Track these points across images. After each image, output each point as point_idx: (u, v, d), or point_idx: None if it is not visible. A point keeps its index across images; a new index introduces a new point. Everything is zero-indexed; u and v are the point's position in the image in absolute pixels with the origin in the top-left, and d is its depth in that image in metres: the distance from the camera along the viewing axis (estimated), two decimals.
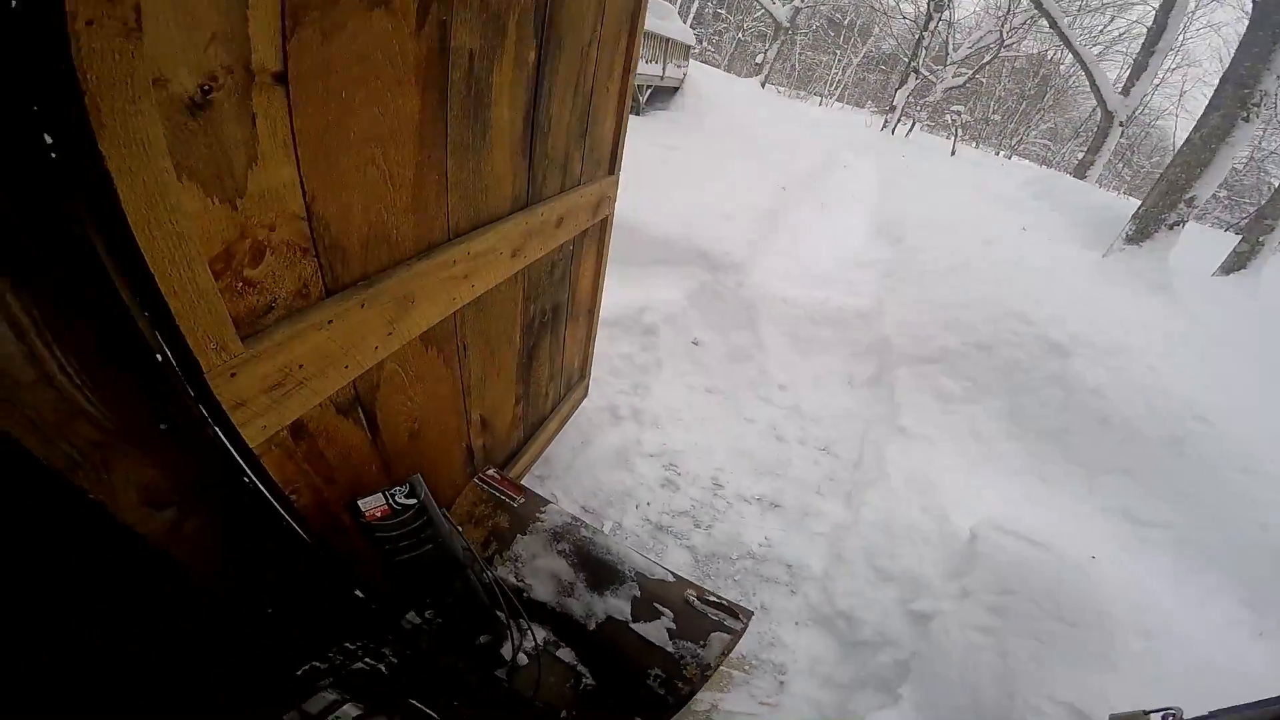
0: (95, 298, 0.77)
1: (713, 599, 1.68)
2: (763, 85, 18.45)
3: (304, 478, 1.21)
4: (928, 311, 4.34)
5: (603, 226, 2.49)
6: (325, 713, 1.12)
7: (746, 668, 2.30)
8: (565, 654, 1.63)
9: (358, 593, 1.43)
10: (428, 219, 1.32)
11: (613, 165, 2.36)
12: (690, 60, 10.33)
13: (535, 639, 1.59)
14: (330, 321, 1.11)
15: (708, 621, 1.63)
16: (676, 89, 9.36)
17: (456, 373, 1.69)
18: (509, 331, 1.95)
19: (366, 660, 1.35)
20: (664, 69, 8.83)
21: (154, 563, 1.03)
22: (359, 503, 1.14)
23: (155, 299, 0.80)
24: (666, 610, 1.62)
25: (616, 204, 2.51)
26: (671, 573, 1.70)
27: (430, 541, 1.21)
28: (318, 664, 1.32)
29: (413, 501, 1.18)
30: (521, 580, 1.62)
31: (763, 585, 2.64)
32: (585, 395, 3.11)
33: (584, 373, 3.00)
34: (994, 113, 30.69)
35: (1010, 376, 3.76)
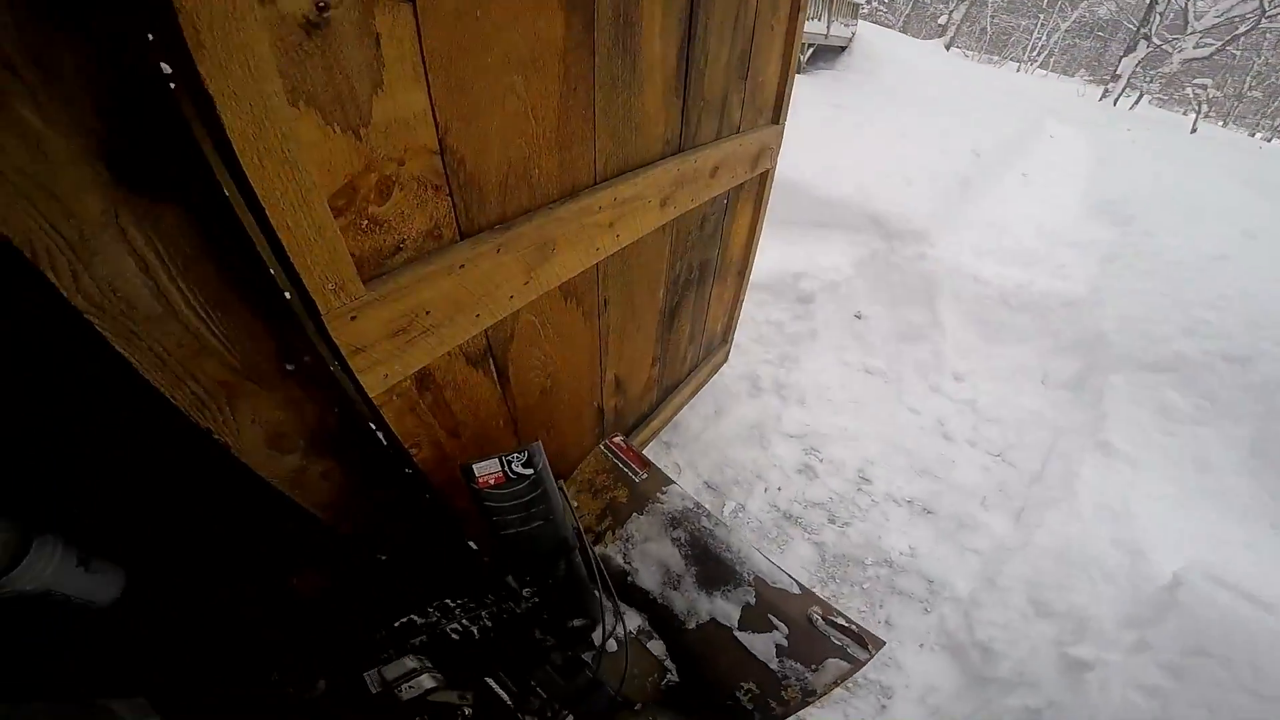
0: (219, 229, 0.74)
1: (841, 621, 1.47)
2: (947, 48, 16.01)
3: (426, 430, 1.18)
4: (1163, 309, 3.53)
5: (762, 181, 2.24)
6: (402, 679, 1.11)
7: (850, 685, 2.07)
8: (655, 646, 1.52)
9: (471, 544, 1.42)
10: (572, 159, 1.20)
11: (777, 114, 2.08)
12: (859, 20, 9.26)
13: (628, 627, 1.51)
14: (462, 266, 1.03)
15: (828, 645, 1.43)
16: (843, 48, 8.47)
17: (595, 328, 1.60)
18: (653, 287, 1.81)
19: (463, 622, 1.34)
20: (828, 26, 7.99)
21: (276, 505, 1.05)
22: (473, 466, 1.08)
23: (272, 233, 0.75)
24: (781, 624, 1.44)
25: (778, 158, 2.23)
26: (798, 583, 1.51)
27: (540, 518, 1.13)
28: (415, 618, 1.33)
29: (529, 472, 1.11)
30: (628, 563, 1.52)
31: (893, 598, 2.36)
32: (725, 361, 2.93)
33: (726, 337, 2.81)
34: (1251, 89, 24.49)
35: (1269, 398, 2.98)
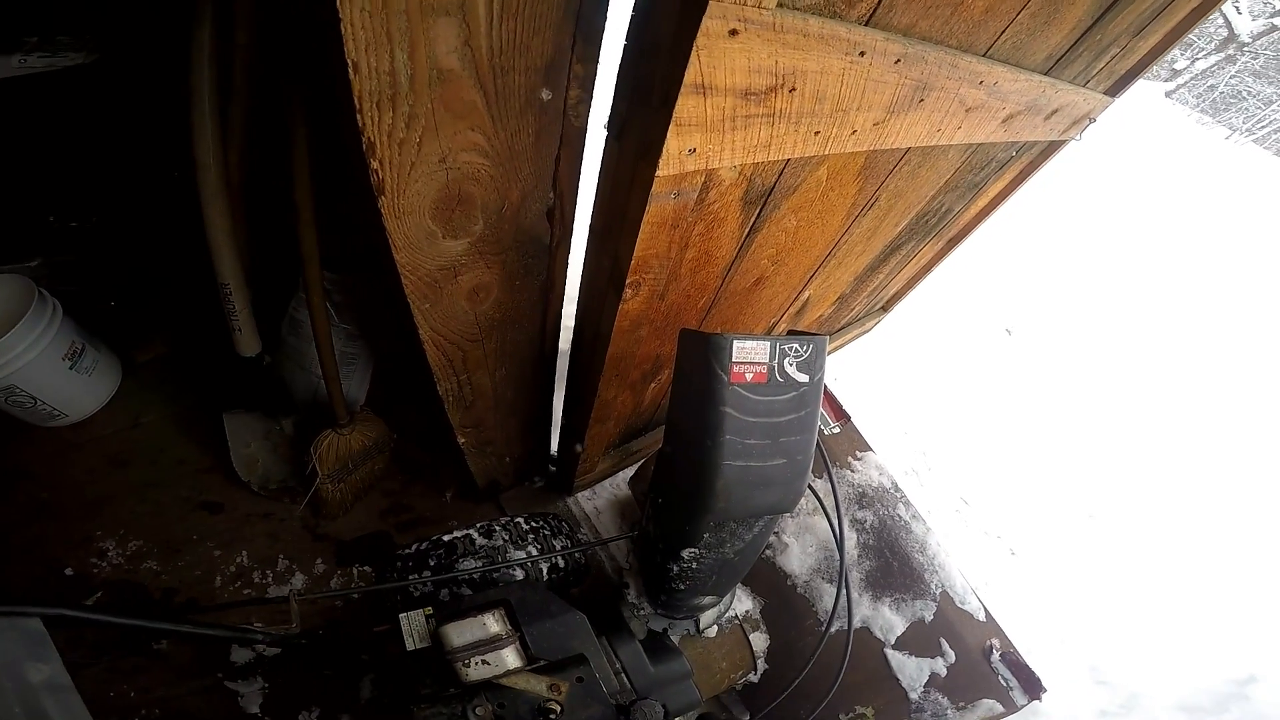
0: None
1: (1016, 659, 1.22)
2: (1167, 95, 14.09)
3: (659, 266, 0.82)
4: None
5: (1050, 152, 1.76)
6: (475, 649, 0.81)
7: None
8: (758, 640, 1.25)
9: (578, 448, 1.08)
10: (996, 8, 0.83)
11: (1119, 85, 1.58)
12: None
13: (738, 613, 1.21)
14: (861, 54, 0.67)
15: (991, 683, 1.18)
16: None
17: (843, 228, 1.20)
18: (906, 211, 1.40)
19: (532, 552, 1.03)
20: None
21: None
22: (735, 341, 0.71)
23: None
24: (950, 650, 1.18)
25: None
26: (985, 608, 1.23)
27: (784, 454, 0.76)
28: (475, 535, 1.04)
29: (803, 379, 0.74)
30: (780, 535, 1.19)
31: None
32: (870, 331, 2.53)
33: (889, 305, 2.39)
34: None
35: None
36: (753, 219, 0.90)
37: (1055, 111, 1.36)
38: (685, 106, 0.55)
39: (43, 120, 1.37)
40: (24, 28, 1.03)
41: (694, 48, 0.50)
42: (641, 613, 1.13)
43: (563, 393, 1.27)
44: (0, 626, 0.74)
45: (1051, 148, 1.72)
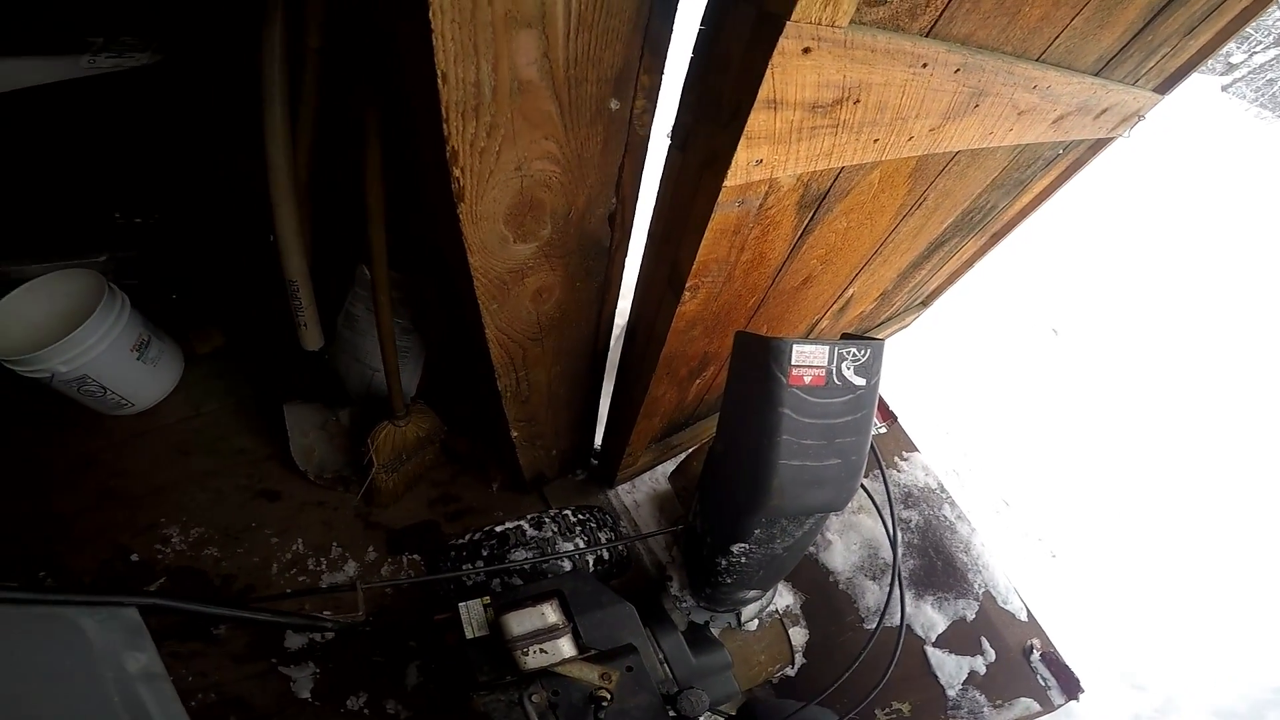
0: None
1: (1056, 659, 1.22)
2: (1223, 89, 13.33)
3: (719, 269, 0.84)
4: None
5: (1097, 148, 1.72)
6: (533, 638, 0.84)
7: None
8: (797, 634, 1.27)
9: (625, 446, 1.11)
10: (1052, 15, 0.82)
11: (1170, 83, 1.54)
12: None
13: (779, 608, 1.23)
14: (924, 65, 0.68)
15: (1030, 683, 1.19)
16: None
17: (890, 227, 1.20)
18: (951, 210, 1.39)
19: (579, 543, 1.06)
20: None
21: None
22: (794, 345, 0.72)
23: None
24: (991, 649, 1.19)
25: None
26: (1027, 608, 1.24)
27: (838, 455, 0.77)
28: (525, 526, 1.07)
29: (860, 383, 0.75)
30: (824, 532, 1.21)
31: None
32: (908, 326, 2.50)
33: (929, 300, 2.37)
34: None
35: None
36: (806, 222, 0.91)
37: (1105, 110, 1.33)
38: (756, 120, 0.57)
39: (109, 120, 1.44)
40: (90, 28, 1.07)
41: (769, 66, 0.51)
42: (684, 605, 1.16)
43: (610, 388, 1.30)
44: (101, 617, 0.79)
45: (1099, 144, 1.69)
